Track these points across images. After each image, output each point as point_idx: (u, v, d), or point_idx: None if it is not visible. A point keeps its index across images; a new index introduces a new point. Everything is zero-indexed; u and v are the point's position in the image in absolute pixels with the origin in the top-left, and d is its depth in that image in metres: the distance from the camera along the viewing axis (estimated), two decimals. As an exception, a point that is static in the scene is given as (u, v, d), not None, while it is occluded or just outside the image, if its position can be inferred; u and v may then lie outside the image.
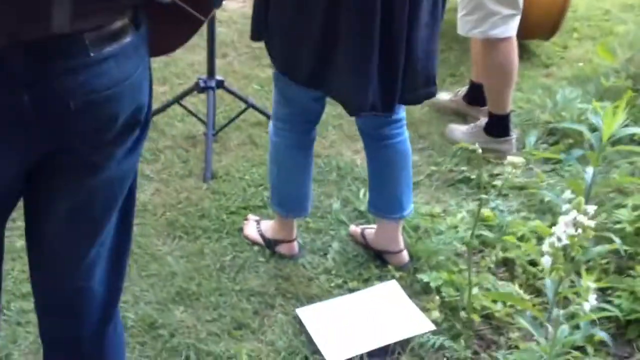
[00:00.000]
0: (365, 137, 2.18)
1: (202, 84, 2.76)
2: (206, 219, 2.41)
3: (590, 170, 1.39)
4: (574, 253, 1.32)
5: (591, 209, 1.36)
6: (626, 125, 1.35)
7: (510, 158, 1.81)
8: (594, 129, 1.52)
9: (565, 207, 1.37)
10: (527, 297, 2.13)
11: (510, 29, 2.61)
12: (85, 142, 1.06)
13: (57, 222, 1.17)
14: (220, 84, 2.82)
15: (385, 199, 2.19)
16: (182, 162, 2.73)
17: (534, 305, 1.98)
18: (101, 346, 1.29)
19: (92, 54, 0.99)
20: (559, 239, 1.36)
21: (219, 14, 4.11)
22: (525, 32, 3.12)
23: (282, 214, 2.21)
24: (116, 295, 1.30)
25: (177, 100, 2.92)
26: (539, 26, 3.46)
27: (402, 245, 2.23)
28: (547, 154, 2.81)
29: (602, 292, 2.14)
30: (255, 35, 2.01)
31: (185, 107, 2.92)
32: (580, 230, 1.34)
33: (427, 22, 1.86)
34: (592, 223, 1.35)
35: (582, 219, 1.34)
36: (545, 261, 1.38)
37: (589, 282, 1.36)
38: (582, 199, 1.32)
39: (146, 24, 1.10)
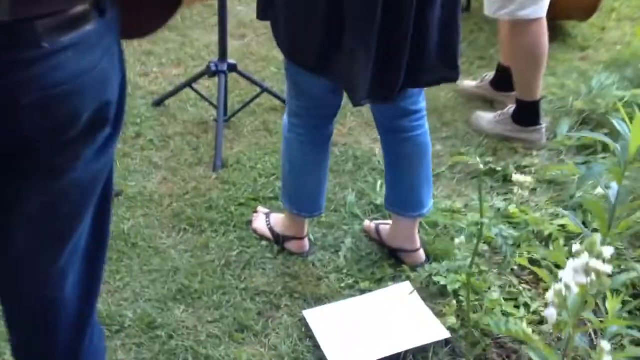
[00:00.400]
0: (382, 129, 2.03)
1: (213, 68, 2.64)
2: (214, 210, 2.30)
3: (614, 187, 1.17)
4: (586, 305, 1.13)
5: (608, 252, 1.10)
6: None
7: (516, 177, 1.60)
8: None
9: (575, 247, 1.12)
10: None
11: (540, 9, 2.43)
12: (43, 142, 0.94)
13: (22, 226, 1.05)
14: (232, 68, 2.69)
15: (402, 196, 2.04)
16: (192, 150, 2.62)
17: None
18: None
19: (45, 45, 0.87)
20: (567, 287, 1.12)
21: (238, -7, 3.97)
22: (559, 12, 2.93)
23: (293, 212, 2.08)
24: (91, 305, 1.19)
25: (189, 84, 2.80)
26: (575, 6, 3.25)
27: (418, 243, 2.09)
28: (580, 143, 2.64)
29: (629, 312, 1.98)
30: (261, 14, 1.87)
31: (196, 91, 2.80)
32: (593, 277, 1.10)
33: (443, 2, 1.69)
34: (608, 269, 1.09)
35: (596, 264, 1.09)
36: (549, 315, 1.15)
37: (603, 344, 1.15)
38: (596, 238, 1.10)
39: (115, 9, 0.97)
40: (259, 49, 3.38)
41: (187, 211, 2.28)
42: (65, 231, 1.08)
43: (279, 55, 3.31)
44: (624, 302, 1.81)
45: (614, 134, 2.65)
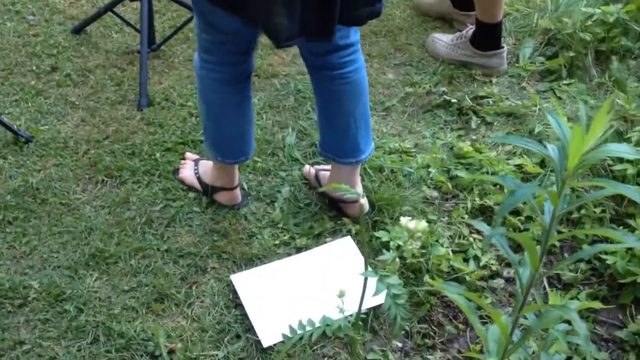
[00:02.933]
0: (309, 67, 1.78)
1: (133, -9, 2.32)
2: (136, 157, 2.06)
3: (548, 209, 0.91)
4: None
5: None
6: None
7: (405, 221, 1.14)
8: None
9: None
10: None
11: None
12: None
13: None
14: (157, -10, 2.38)
15: (336, 140, 1.82)
16: (115, 85, 2.34)
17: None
18: None
19: None
20: None
21: None
22: None
23: (216, 158, 1.85)
24: None
25: (110, 7, 2.48)
26: None
27: (360, 192, 1.88)
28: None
29: (595, 245, 1.83)
30: None
31: (119, 16, 2.49)
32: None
33: None
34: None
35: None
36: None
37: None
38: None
39: None
40: (195, -37, 3.03)
41: (106, 159, 2.04)
42: None
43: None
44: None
45: (580, 58, 2.44)
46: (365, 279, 1.19)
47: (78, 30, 2.54)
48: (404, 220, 1.11)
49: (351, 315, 1.29)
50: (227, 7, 1.48)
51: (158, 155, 2.07)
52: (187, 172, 1.98)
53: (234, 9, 1.48)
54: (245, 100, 1.77)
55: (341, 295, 1.20)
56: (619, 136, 2.06)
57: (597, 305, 1.18)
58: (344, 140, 1.80)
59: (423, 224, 1.10)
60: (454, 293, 1.05)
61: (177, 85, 2.35)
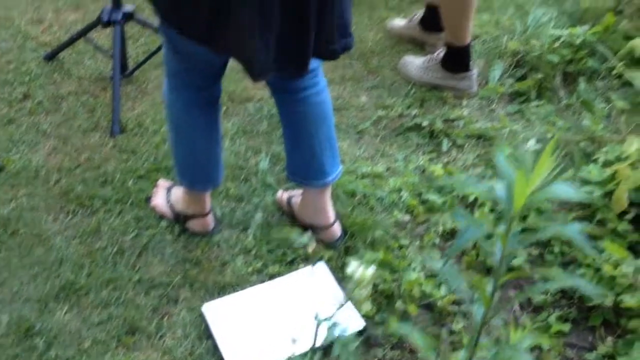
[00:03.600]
0: (273, 91, 1.80)
1: (105, 18, 2.32)
2: (108, 186, 2.06)
3: (497, 249, 0.90)
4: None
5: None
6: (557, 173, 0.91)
7: (352, 269, 1.14)
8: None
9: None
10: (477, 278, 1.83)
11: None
12: None
13: None
14: (128, 16, 2.38)
15: (302, 163, 1.83)
16: (87, 112, 2.34)
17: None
18: None
19: None
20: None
21: None
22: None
23: (185, 186, 1.86)
24: None
25: (83, 34, 2.48)
26: None
27: (331, 217, 1.90)
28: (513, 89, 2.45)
29: (565, 267, 1.85)
30: None
31: (91, 42, 2.49)
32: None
33: None
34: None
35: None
36: None
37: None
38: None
39: None
40: (169, -13, 3.04)
41: (78, 188, 2.04)
42: None
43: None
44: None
45: (548, 79, 2.48)
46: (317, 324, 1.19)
47: (51, 57, 2.54)
48: (351, 267, 1.12)
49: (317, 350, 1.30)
50: (198, 40, 1.49)
51: (130, 183, 2.06)
52: (158, 199, 1.98)
53: (205, 42, 1.48)
54: (214, 123, 1.78)
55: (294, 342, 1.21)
56: (588, 157, 2.10)
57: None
58: (309, 163, 1.82)
59: (370, 272, 1.11)
60: (409, 332, 1.06)
61: (150, 111, 2.35)
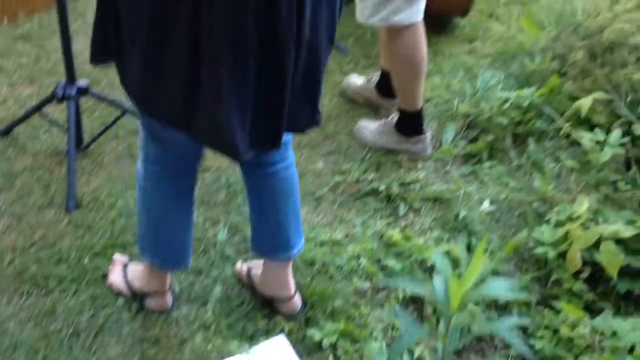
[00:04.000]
0: (242, 164, 1.79)
1: (60, 93, 2.32)
2: (63, 264, 2.02)
3: (440, 347, 0.91)
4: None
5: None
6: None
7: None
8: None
9: None
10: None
11: (415, 13, 2.24)
12: None
13: None
14: (83, 91, 2.39)
15: (268, 237, 1.84)
16: (42, 188, 2.31)
17: None
18: None
19: None
20: None
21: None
22: (436, 9, 2.78)
23: (153, 265, 1.83)
24: None
25: (38, 109, 2.48)
26: (449, 4, 3.12)
27: (292, 289, 1.89)
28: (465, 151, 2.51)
29: (523, 330, 1.87)
30: (98, 56, 1.51)
31: (46, 116, 2.49)
32: None
33: (310, 46, 1.43)
34: None
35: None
36: None
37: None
38: None
39: None
40: (125, 58, 3.06)
41: (32, 268, 2.00)
42: None
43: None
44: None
45: (499, 141, 2.54)
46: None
47: (5, 132, 2.52)
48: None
49: None
50: (174, 125, 1.46)
51: (86, 260, 2.03)
52: (115, 276, 1.96)
53: (181, 126, 1.46)
54: (189, 208, 1.77)
55: None
56: (540, 217, 2.14)
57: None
58: (275, 237, 1.82)
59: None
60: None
61: (106, 185, 2.34)
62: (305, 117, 1.56)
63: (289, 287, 1.88)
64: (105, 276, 1.98)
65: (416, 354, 1.72)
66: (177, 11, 1.32)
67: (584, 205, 1.96)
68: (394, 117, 2.55)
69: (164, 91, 1.42)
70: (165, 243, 1.81)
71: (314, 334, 1.79)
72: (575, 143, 2.37)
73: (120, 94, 2.80)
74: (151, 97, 1.45)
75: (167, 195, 1.72)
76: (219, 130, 1.41)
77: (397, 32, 2.29)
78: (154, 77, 1.41)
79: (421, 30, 2.32)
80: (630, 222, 1.90)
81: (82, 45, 3.10)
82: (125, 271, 1.95)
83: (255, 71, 1.37)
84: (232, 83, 1.37)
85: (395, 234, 2.14)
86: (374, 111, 2.76)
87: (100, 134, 2.49)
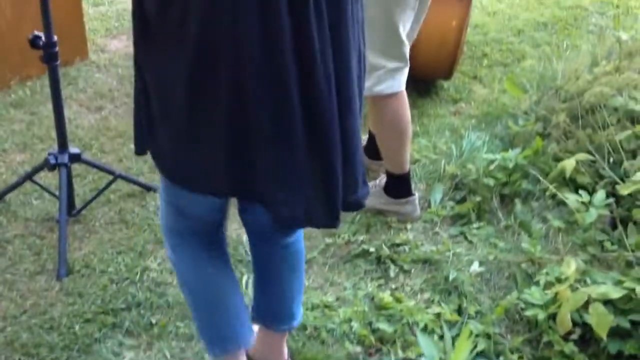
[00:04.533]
0: (251, 234, 1.75)
1: (52, 161, 2.35)
2: (55, 331, 2.01)
3: None
4: None
5: None
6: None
7: None
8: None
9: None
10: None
11: (398, 83, 2.31)
12: None
13: None
14: (75, 158, 2.42)
15: (273, 306, 1.81)
16: (34, 255, 2.32)
17: None
18: None
19: None
20: None
21: (96, 57, 3.71)
22: (418, 73, 2.87)
23: (218, 353, 1.73)
24: None
25: (29, 176, 2.50)
26: (432, 68, 3.22)
27: (285, 356, 1.89)
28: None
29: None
30: (142, 147, 1.50)
31: (38, 184, 2.51)
32: None
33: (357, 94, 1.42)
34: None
35: None
36: None
37: None
38: None
39: None
40: (117, 123, 3.11)
41: (23, 336, 1.99)
42: None
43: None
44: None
45: (486, 202, 2.58)
46: None
47: (-4, 199, 2.54)
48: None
49: None
50: (216, 194, 1.46)
51: (77, 327, 2.03)
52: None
53: (237, 193, 1.45)
54: (227, 268, 1.70)
55: None
56: (530, 278, 2.17)
57: None
58: (278, 307, 1.80)
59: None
60: None
61: (97, 251, 2.35)
62: (361, 187, 1.50)
63: (283, 354, 1.88)
64: (96, 342, 1.97)
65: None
66: (216, 92, 1.30)
67: (571, 266, 1.98)
68: (383, 178, 2.59)
69: (205, 160, 1.38)
70: (219, 324, 1.71)
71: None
72: (562, 203, 2.41)
73: (111, 159, 2.85)
74: (188, 168, 1.42)
75: (197, 263, 1.64)
76: (274, 202, 1.40)
77: (381, 100, 2.35)
78: (191, 150, 1.39)
79: (404, 98, 2.38)
80: (618, 283, 1.92)
81: (73, 111, 3.17)
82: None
83: (304, 147, 1.35)
84: (282, 162, 1.35)
85: (386, 296, 2.15)
86: (363, 173, 2.80)
87: (92, 200, 2.52)
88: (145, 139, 1.47)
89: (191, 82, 1.30)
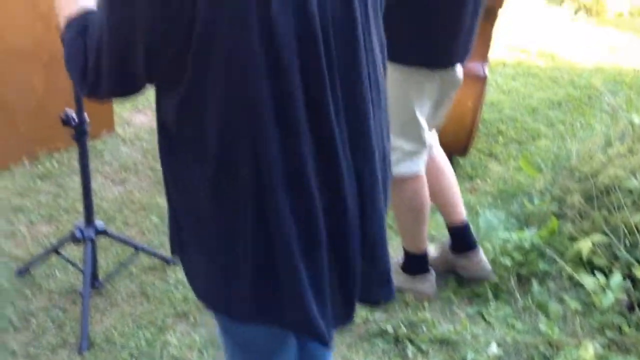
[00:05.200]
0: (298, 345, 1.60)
1: (78, 235, 2.42)
2: (75, 408, 2.03)
3: None
4: None
5: None
6: None
7: None
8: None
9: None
10: None
11: (416, 165, 2.37)
12: None
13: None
14: (101, 232, 2.48)
15: None
16: (56, 327, 2.36)
17: None
18: None
19: None
20: None
21: (122, 130, 3.83)
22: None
23: None
24: None
25: (55, 249, 2.57)
26: (449, 146, 3.29)
27: None
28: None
29: None
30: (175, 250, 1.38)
31: (63, 256, 2.57)
32: None
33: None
34: None
35: None
36: None
37: None
38: None
39: None
40: (141, 196, 3.19)
41: (43, 412, 2.01)
42: None
43: (162, 201, 3.15)
44: None
45: (504, 282, 2.60)
46: None
47: (23, 272, 2.59)
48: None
49: None
50: (255, 317, 1.29)
51: (97, 403, 2.05)
52: None
53: (264, 318, 1.30)
54: None
55: None
56: (547, 360, 2.17)
57: None
58: None
59: None
60: None
61: (118, 324, 2.38)
62: (385, 284, 1.42)
63: None
64: (115, 421, 1.98)
65: None
66: (238, 208, 1.21)
67: (589, 350, 1.99)
68: (400, 257, 2.63)
69: (231, 281, 1.27)
70: None
71: None
72: (578, 284, 2.43)
73: (134, 232, 2.91)
74: (218, 291, 1.30)
75: None
76: (303, 316, 1.28)
77: (398, 181, 2.41)
78: (221, 271, 1.27)
79: (423, 180, 2.44)
80: (637, 368, 1.92)
81: (98, 184, 3.26)
82: None
83: (327, 253, 1.27)
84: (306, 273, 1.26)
85: (404, 377, 2.15)
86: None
87: (115, 272, 2.56)
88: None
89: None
